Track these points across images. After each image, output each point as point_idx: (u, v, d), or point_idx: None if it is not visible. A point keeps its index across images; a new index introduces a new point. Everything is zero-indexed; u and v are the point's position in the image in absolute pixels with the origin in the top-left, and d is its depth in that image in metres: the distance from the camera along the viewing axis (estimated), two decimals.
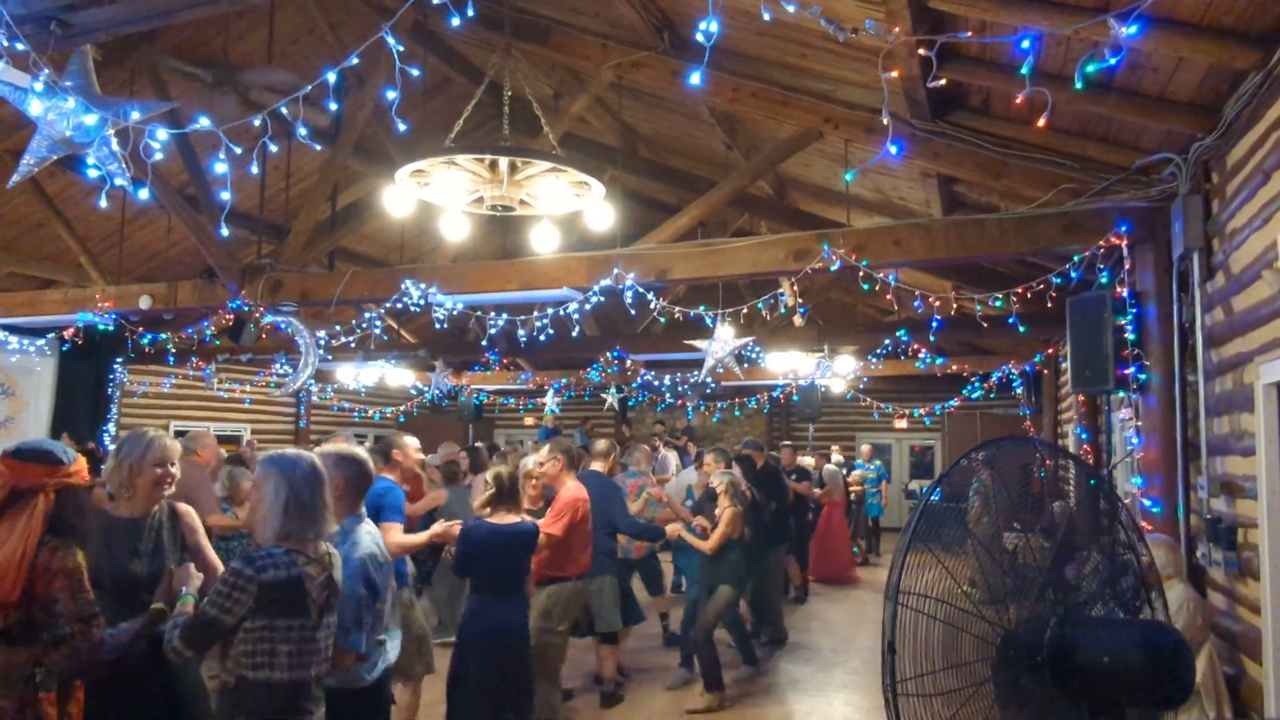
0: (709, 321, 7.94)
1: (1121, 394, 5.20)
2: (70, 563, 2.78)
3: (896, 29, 3.81)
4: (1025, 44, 2.88)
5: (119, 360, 11.65)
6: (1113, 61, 2.84)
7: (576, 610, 5.41)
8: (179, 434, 9.27)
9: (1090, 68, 2.92)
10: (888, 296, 6.45)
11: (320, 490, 2.75)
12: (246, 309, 7.85)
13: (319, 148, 7.48)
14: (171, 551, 3.34)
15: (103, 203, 3.88)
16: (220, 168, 3.65)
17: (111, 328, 8.79)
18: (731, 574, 6.41)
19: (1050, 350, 10.73)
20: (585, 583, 5.44)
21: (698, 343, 9.24)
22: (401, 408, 15.61)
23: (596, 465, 6.68)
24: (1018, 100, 3.35)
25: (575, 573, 5.29)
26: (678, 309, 7.50)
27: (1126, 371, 4.99)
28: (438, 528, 4.81)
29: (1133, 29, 2.65)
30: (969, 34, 3.35)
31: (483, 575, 4.58)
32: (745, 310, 7.67)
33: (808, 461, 11.96)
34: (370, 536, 3.23)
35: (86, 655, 2.76)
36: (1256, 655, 3.92)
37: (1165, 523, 4.82)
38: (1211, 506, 4.49)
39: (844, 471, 12.99)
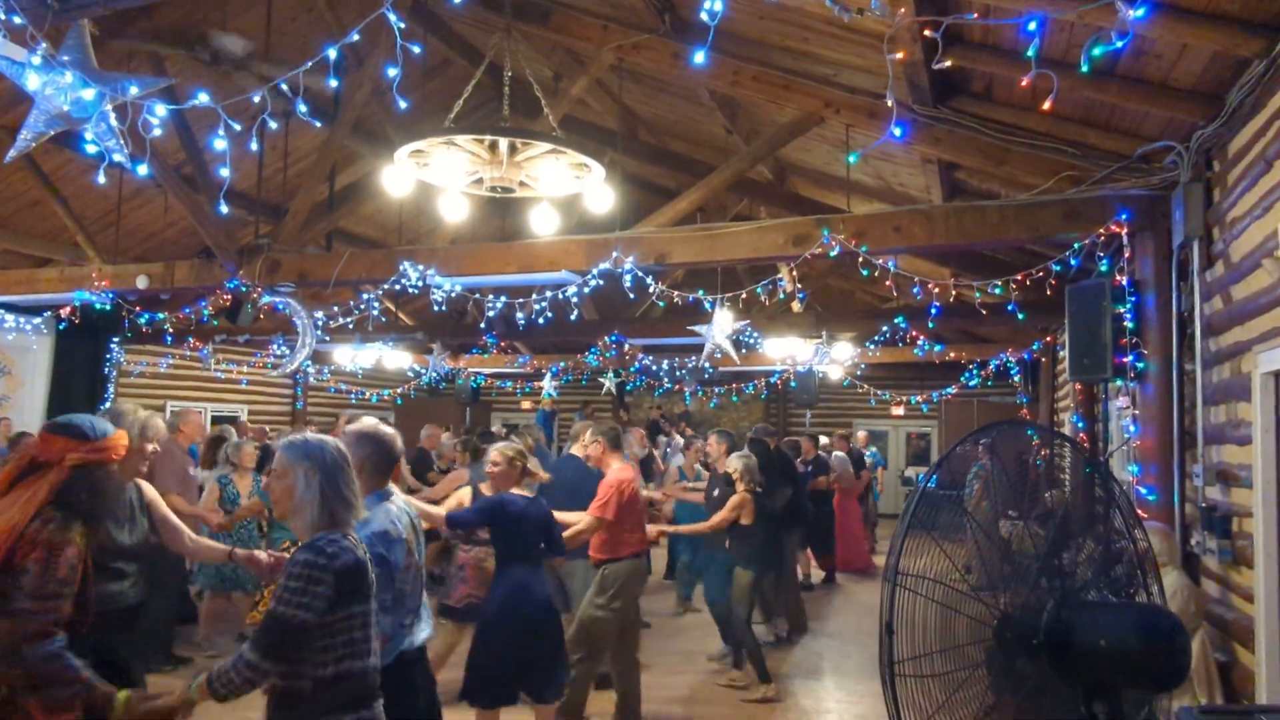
0: (707, 306, 7.93)
1: (1119, 382, 5.21)
2: (58, 536, 2.66)
3: (901, 10, 3.78)
4: (1032, 26, 2.87)
5: (116, 340, 11.61)
6: (1119, 45, 2.83)
7: (633, 589, 5.40)
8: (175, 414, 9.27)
9: (1097, 50, 2.90)
10: (887, 283, 6.45)
11: (351, 473, 2.70)
12: (244, 289, 7.82)
13: (319, 124, 7.43)
14: (141, 520, 3.42)
15: (100, 179, 3.85)
16: (219, 144, 3.63)
17: (108, 307, 8.76)
18: (747, 557, 6.42)
19: (1048, 338, 10.75)
20: (641, 561, 5.43)
21: (699, 327, 9.24)
22: (399, 390, 15.60)
23: (575, 450, 6.69)
24: (1022, 84, 3.33)
25: (628, 553, 5.31)
26: (676, 293, 7.49)
27: (1125, 360, 5.00)
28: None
29: (1139, 12, 2.64)
30: (974, 15, 3.33)
31: (523, 548, 4.53)
32: (744, 295, 7.66)
33: (828, 443, 11.93)
34: (387, 514, 3.14)
35: (20, 638, 2.51)
36: (1249, 643, 3.95)
37: (1160, 511, 4.83)
38: (1207, 495, 4.51)
39: (865, 456, 12.98)
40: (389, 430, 3.38)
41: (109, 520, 3.22)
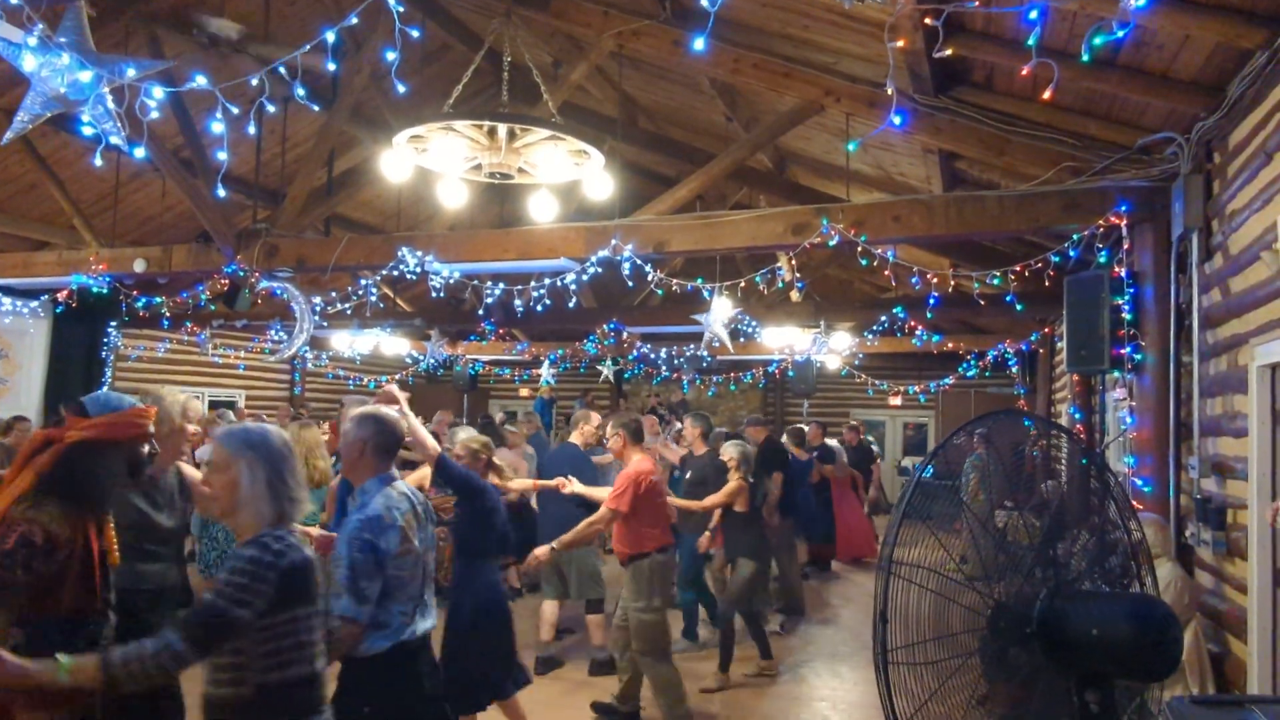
0: (706, 294, 7.92)
1: (1116, 374, 5.22)
2: (24, 515, 2.60)
3: None
4: (1033, 15, 2.86)
5: (113, 324, 11.59)
6: (1120, 35, 2.82)
7: (665, 584, 5.29)
8: None
9: (1098, 39, 2.89)
10: (885, 273, 6.45)
11: (295, 463, 2.56)
12: (242, 274, 7.81)
13: (317, 109, 7.40)
14: (183, 505, 3.41)
15: (98, 161, 3.83)
16: (217, 128, 3.61)
17: (106, 290, 8.74)
18: (750, 548, 6.42)
19: (1046, 329, 10.76)
20: (668, 555, 5.31)
21: (700, 316, 9.24)
22: (396, 376, 15.60)
23: (574, 438, 6.70)
24: (1023, 72, 3.32)
25: (653, 547, 5.16)
26: (675, 281, 7.49)
27: (1122, 351, 5.01)
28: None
29: (1141, 1, 2.63)
30: (975, 4, 3.32)
31: (488, 542, 4.46)
32: (743, 284, 7.66)
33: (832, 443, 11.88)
34: (386, 499, 3.05)
35: None
36: (1241, 634, 3.97)
37: (1156, 502, 4.85)
38: (1202, 487, 4.53)
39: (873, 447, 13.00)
40: (392, 412, 3.30)
41: (152, 507, 3.19)
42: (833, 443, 11.60)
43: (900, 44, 4.43)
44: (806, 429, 10.68)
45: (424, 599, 3.20)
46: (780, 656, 6.95)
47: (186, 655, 2.25)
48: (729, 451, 6.45)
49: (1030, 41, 2.89)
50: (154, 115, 3.56)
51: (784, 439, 9.35)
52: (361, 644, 2.95)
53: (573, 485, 5.70)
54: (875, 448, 13.77)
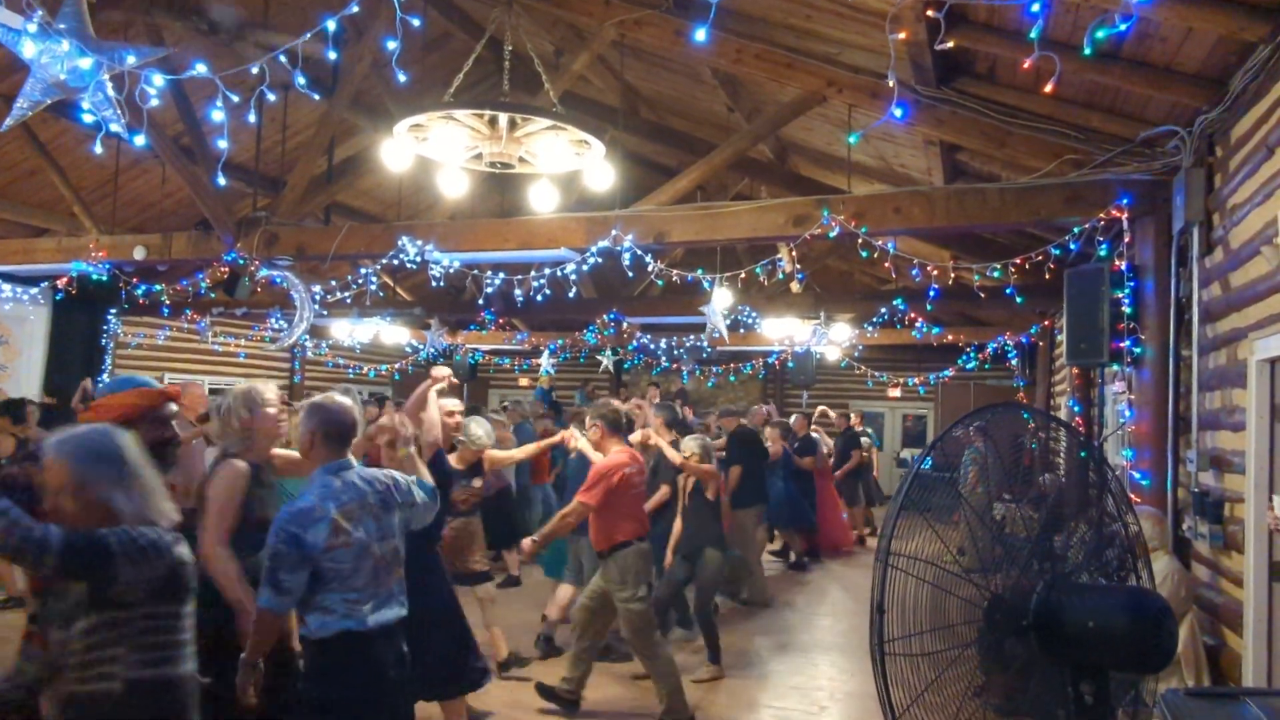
0: (706, 285, 7.92)
1: (1116, 367, 5.22)
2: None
3: None
4: (1036, 7, 2.85)
5: (113, 311, 11.59)
6: (1123, 27, 2.82)
7: (647, 571, 5.26)
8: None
9: (1100, 33, 2.89)
10: (885, 264, 6.44)
11: (147, 462, 2.48)
12: (241, 262, 7.81)
13: (317, 98, 7.38)
14: (280, 493, 3.48)
15: (97, 148, 3.84)
16: (217, 115, 3.61)
17: (105, 278, 8.74)
18: (718, 538, 6.43)
19: (1046, 322, 10.76)
20: (640, 545, 5.23)
21: (705, 308, 9.24)
22: (396, 365, 15.59)
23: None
24: (1025, 65, 3.31)
25: (631, 536, 5.13)
26: (675, 272, 7.48)
27: (1121, 345, 5.01)
28: None
29: None
30: None
31: (437, 536, 4.44)
32: (743, 275, 7.66)
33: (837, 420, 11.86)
34: (325, 490, 2.95)
35: None
36: (1237, 627, 3.98)
37: (1153, 495, 4.86)
38: (1200, 480, 4.53)
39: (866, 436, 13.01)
40: (343, 400, 3.17)
41: (254, 501, 3.27)
42: (813, 434, 11.58)
43: (902, 35, 4.42)
44: (796, 420, 10.70)
45: (383, 589, 3.05)
46: (777, 646, 6.98)
47: (49, 554, 2.11)
48: (689, 446, 6.41)
49: (1033, 34, 2.89)
50: (154, 102, 3.56)
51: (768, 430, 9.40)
52: (310, 627, 2.93)
53: (576, 440, 5.70)
54: (867, 438, 13.71)
